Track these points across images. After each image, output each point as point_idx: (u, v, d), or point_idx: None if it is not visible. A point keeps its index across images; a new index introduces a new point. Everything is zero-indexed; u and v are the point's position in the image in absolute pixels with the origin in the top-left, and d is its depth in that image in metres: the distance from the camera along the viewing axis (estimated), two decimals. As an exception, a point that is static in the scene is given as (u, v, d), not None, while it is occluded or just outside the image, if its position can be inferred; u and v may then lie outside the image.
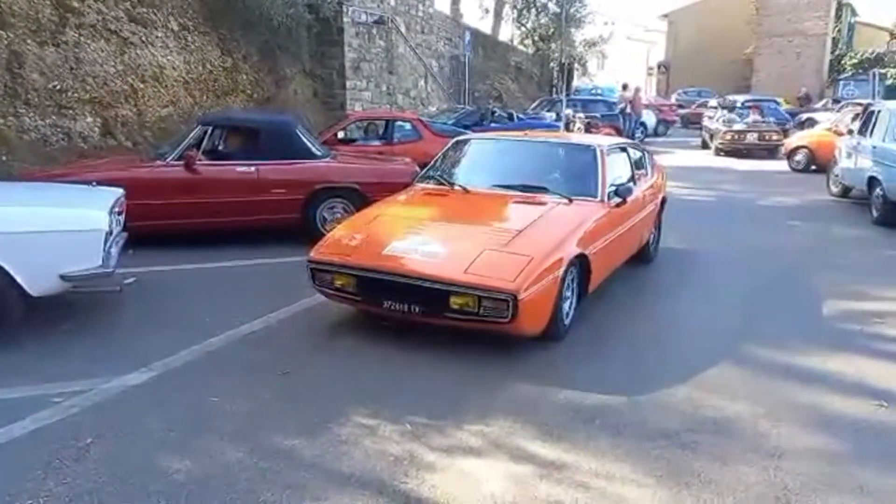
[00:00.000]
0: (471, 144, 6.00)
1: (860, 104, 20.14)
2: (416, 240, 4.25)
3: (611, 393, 3.53)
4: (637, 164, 5.91)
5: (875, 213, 8.43)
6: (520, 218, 4.53)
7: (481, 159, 5.81)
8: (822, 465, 2.84)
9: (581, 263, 4.31)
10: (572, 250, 4.17)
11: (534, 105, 18.64)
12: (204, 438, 3.05)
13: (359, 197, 6.73)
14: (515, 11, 28.59)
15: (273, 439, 3.05)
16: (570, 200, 4.75)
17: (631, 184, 5.29)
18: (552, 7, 27.66)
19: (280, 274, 5.80)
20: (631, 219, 5.26)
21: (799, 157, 13.86)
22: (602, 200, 4.84)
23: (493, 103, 19.46)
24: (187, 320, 4.57)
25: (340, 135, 9.68)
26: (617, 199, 4.92)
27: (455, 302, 3.82)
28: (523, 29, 28.60)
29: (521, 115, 14.60)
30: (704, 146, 18.67)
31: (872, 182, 8.56)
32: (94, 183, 5.09)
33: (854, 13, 37.99)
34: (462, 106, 15.28)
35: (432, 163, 5.76)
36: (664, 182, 6.80)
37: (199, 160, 6.44)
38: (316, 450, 2.96)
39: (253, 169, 6.59)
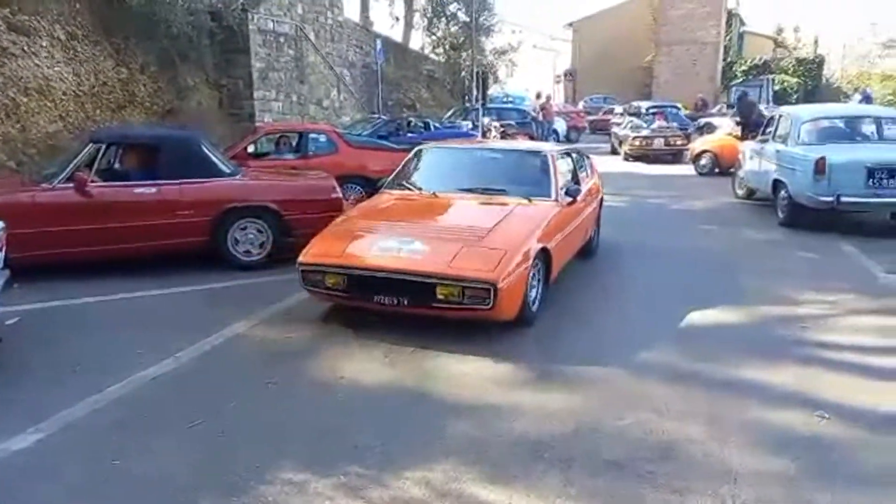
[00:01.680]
0: (432, 153, 6.50)
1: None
2: (398, 240, 4.64)
3: (555, 420, 3.34)
4: (579, 167, 6.51)
5: (781, 215, 8.76)
6: (488, 217, 4.97)
7: (443, 166, 6.26)
8: (777, 489, 2.75)
9: (544, 256, 4.83)
10: (537, 245, 4.70)
11: (448, 114, 18.57)
12: (103, 513, 2.63)
13: (273, 216, 6.32)
14: (425, 20, 28.55)
15: (187, 507, 2.67)
16: (530, 200, 5.26)
17: (578, 185, 5.90)
18: (461, 16, 27.81)
19: (190, 305, 5.36)
20: (580, 215, 5.88)
21: (704, 161, 14.41)
22: (556, 200, 5.37)
23: (407, 112, 19.28)
24: (83, 365, 4.06)
25: (250, 149, 9.16)
26: (568, 199, 5.47)
27: (441, 292, 4.28)
28: (434, 37, 28.60)
29: (437, 125, 14.45)
30: (614, 152, 19.17)
31: (777, 185, 8.90)
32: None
33: (742, 23, 40.42)
34: (377, 116, 14.96)
35: (397, 170, 6.16)
36: (601, 183, 7.37)
37: (92, 181, 5.84)
38: (238, 517, 2.61)
39: (154, 190, 6.04)
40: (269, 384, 3.83)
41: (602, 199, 7.13)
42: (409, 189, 5.78)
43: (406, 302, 4.39)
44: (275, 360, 4.18)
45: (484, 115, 13.11)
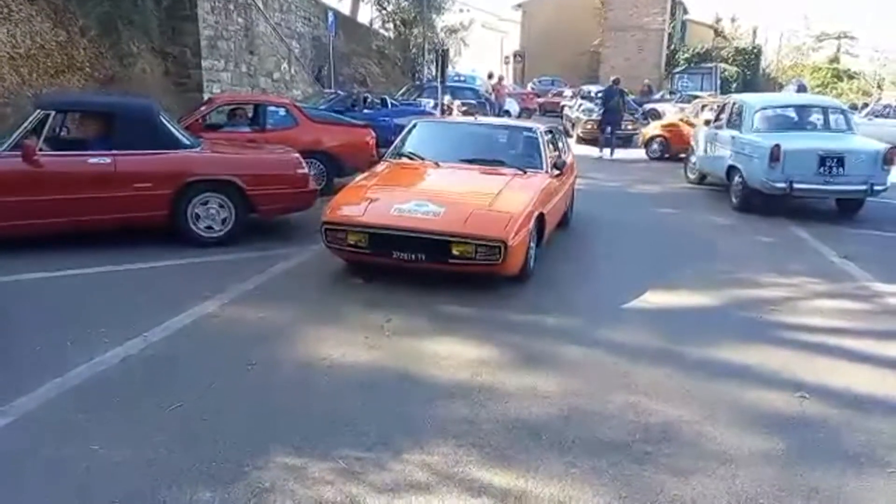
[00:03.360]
0: (429, 127, 7.15)
1: (698, 96, 21.92)
2: (414, 203, 5.01)
3: (546, 402, 3.33)
4: (559, 145, 7.15)
5: (735, 200, 9.02)
6: (491, 185, 5.46)
7: (441, 139, 6.74)
8: (773, 470, 2.81)
9: (539, 220, 5.30)
10: (536, 209, 5.21)
11: (402, 91, 18.28)
12: (89, 504, 2.46)
13: (237, 191, 6.07)
14: (376, -7, 27.93)
15: (176, 496, 2.52)
16: (524, 172, 5.84)
17: (564, 158, 6.61)
18: (413, -9, 27.33)
19: (153, 282, 5.11)
20: (564, 187, 6.52)
21: (655, 146, 14.70)
22: (546, 171, 5.98)
23: (359, 88, 18.86)
24: (43, 346, 3.80)
25: (204, 120, 8.75)
26: (556, 171, 6.07)
27: (457, 249, 4.75)
28: (384, 12, 28.03)
29: (394, 101, 14.19)
30: (566, 134, 19.31)
31: (732, 171, 9.15)
32: None
33: (686, 11, 41.28)
34: (332, 91, 14.58)
35: (397, 141, 6.68)
36: (575, 160, 7.90)
37: (41, 150, 5.46)
38: (236, 505, 2.49)
39: (109, 160, 5.69)
40: (248, 366, 3.67)
41: (576, 175, 7.71)
42: (413, 159, 6.23)
43: (423, 258, 4.81)
44: (251, 342, 4.01)
45: (444, 93, 12.91)
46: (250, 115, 8.88)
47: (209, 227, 6.06)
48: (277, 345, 3.99)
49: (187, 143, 6.16)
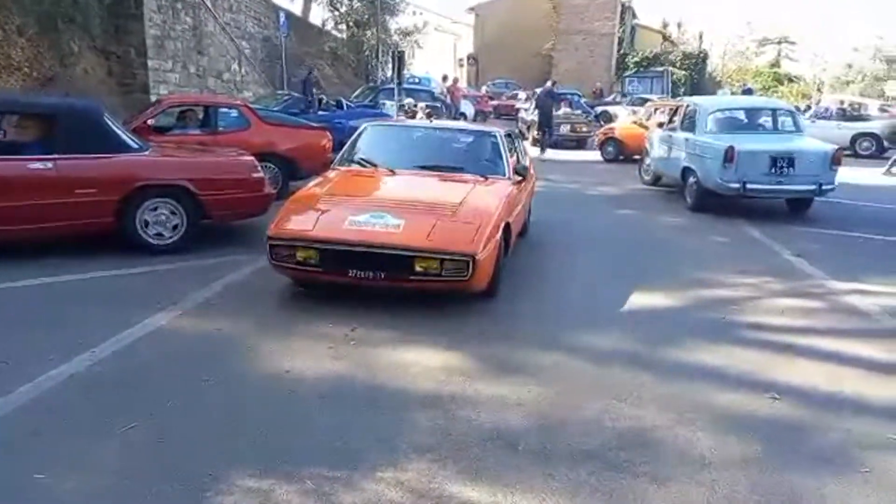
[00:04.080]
0: (380, 131, 6.67)
1: (648, 99, 22.35)
2: (370, 214, 4.58)
3: (519, 411, 3.24)
4: (518, 149, 6.88)
5: (689, 201, 9.16)
6: (453, 193, 5.08)
7: (395, 144, 6.27)
8: (753, 474, 2.77)
9: (506, 230, 4.96)
10: (502, 219, 4.87)
11: (357, 92, 18.04)
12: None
13: (188, 196, 5.82)
14: (328, -6, 27.57)
15: (134, 527, 2.34)
16: (486, 178, 5.51)
17: (526, 163, 6.37)
18: (366, -8, 27.09)
19: (100, 294, 4.85)
20: (524, 193, 6.20)
21: (610, 147, 14.87)
22: (509, 178, 5.68)
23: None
24: (-22, 366, 3.52)
25: (151, 122, 8.42)
26: (517, 178, 5.78)
27: (420, 265, 4.34)
28: (337, 13, 27.70)
29: (349, 104, 13.97)
30: (521, 137, 19.39)
31: (687, 172, 9.28)
32: None
33: (635, 16, 42.10)
34: (284, 92, 14.27)
35: (346, 147, 6.13)
36: (533, 163, 7.55)
37: (-25, 154, 5.12)
38: (198, 535, 2.32)
39: (50, 165, 5.37)
40: (205, 382, 3.48)
41: (535, 180, 7.50)
42: (364, 166, 5.77)
43: (383, 276, 4.37)
44: (207, 355, 3.82)
45: (400, 95, 12.71)
46: (201, 116, 8.57)
47: (159, 234, 5.80)
48: (236, 358, 3.80)
49: (135, 146, 5.87)
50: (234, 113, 8.52)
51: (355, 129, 11.41)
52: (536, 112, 16.33)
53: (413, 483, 2.64)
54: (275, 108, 11.30)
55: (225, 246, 6.11)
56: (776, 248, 6.95)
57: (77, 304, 4.58)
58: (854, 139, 17.15)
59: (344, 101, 13.36)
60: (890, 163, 13.41)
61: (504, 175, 5.67)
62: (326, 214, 4.69)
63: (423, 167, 5.65)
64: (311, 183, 5.67)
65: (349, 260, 4.39)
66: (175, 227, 5.85)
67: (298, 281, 4.82)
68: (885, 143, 15.55)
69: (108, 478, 2.62)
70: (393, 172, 5.56)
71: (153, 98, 11.70)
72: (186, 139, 7.94)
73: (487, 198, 5.09)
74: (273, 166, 8.20)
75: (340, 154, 6.05)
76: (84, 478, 2.62)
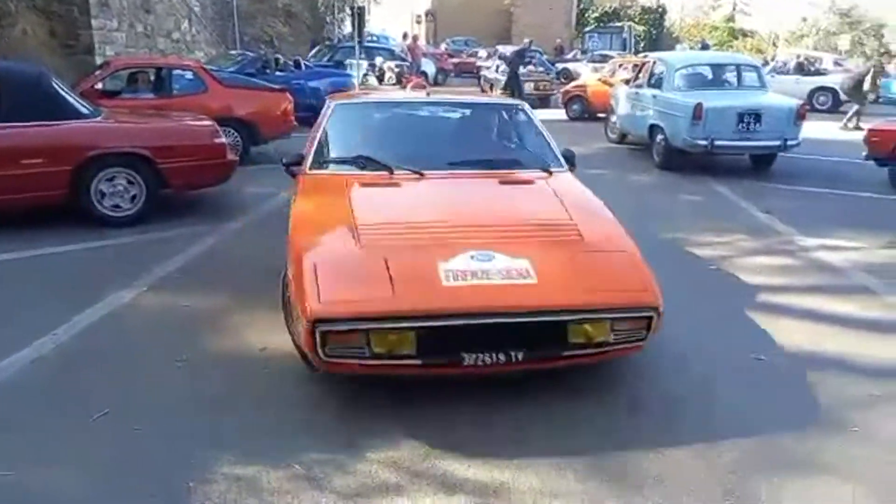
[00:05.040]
0: (367, 111, 4.75)
1: (609, 55, 22.24)
2: (469, 254, 2.92)
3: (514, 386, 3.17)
4: None
5: (657, 159, 9.13)
6: (546, 204, 3.59)
7: (397, 131, 4.49)
8: (749, 440, 2.73)
9: None
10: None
11: (313, 51, 17.43)
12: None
13: (146, 165, 5.52)
14: (279, -52, 26.37)
15: (114, 524, 2.20)
16: (550, 173, 4.02)
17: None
18: (319, -55, 26.02)
19: (57, 271, 4.60)
20: None
21: (576, 105, 14.73)
22: (565, 168, 4.20)
23: (266, 49, 17.84)
24: (-71, 354, 3.28)
25: (100, 86, 7.96)
26: (569, 166, 4.30)
27: (577, 333, 2.81)
28: (289, -32, 26.56)
29: (307, 63, 13.46)
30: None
31: (654, 130, 9.24)
32: None
33: (594, -31, 41.57)
34: (239, 52, 13.66)
35: (316, 139, 4.21)
36: None
37: None
38: (184, 529, 2.19)
39: (-7, 134, 5.03)
40: (178, 362, 3.31)
41: None
42: (363, 168, 3.88)
43: (520, 357, 2.80)
44: (176, 334, 3.63)
45: (361, 54, 12.19)
46: (153, 79, 8.15)
47: (116, 206, 5.51)
48: (207, 336, 3.63)
49: (86, 112, 5.53)
50: (188, 75, 8.12)
51: (317, 90, 11.17)
52: (506, 70, 15.97)
53: (407, 463, 2.55)
54: (230, 69, 10.82)
55: (188, 217, 5.85)
56: (744, 205, 6.99)
57: (32, 283, 4.32)
58: (812, 93, 17.37)
59: (302, 61, 12.87)
60: (847, 117, 13.61)
61: (561, 165, 4.20)
62: (399, 263, 2.89)
63: (459, 164, 4.00)
64: (301, 204, 3.67)
65: (463, 339, 2.76)
66: (133, 197, 5.56)
67: (371, 375, 2.97)
68: (842, 98, 15.78)
69: (80, 473, 2.46)
70: (421, 175, 3.80)
71: (99, 60, 11.06)
72: (139, 104, 7.54)
73: (587, 207, 3.66)
74: (233, 131, 7.86)
75: (311, 150, 4.13)
76: (55, 473, 2.46)
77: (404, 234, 3.15)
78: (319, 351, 2.70)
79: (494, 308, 2.73)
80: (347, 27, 27.06)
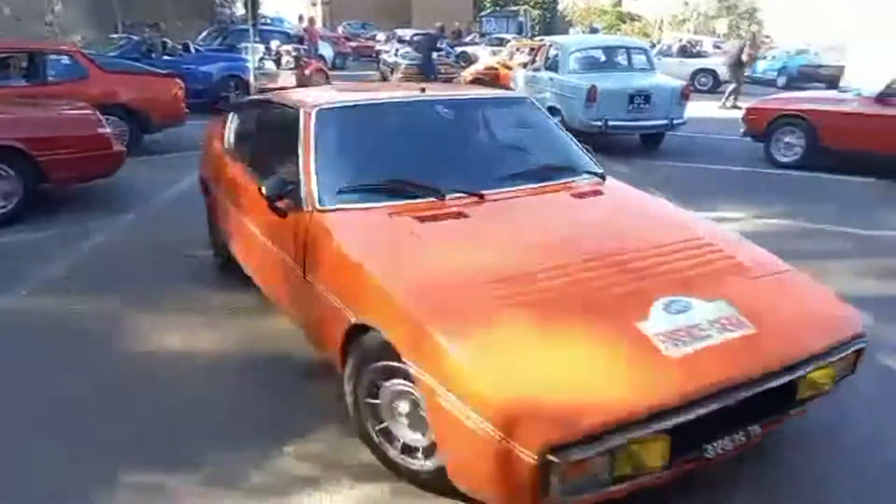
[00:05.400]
0: (364, 117, 3.41)
1: (505, 39, 22.59)
2: (660, 306, 2.25)
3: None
4: None
5: (556, 140, 9.39)
6: (646, 220, 3.04)
7: (412, 141, 3.37)
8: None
9: None
10: None
11: (203, 34, 16.62)
12: None
13: (24, 160, 5.11)
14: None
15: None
16: (603, 178, 3.48)
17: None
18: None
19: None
20: None
21: (479, 89, 14.84)
22: (602, 170, 3.59)
23: (151, 32, 16.87)
24: None
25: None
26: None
27: (807, 385, 2.26)
28: (173, -54, 25.15)
29: (197, 47, 12.82)
30: (384, 79, 18.97)
31: (551, 112, 9.45)
32: None
33: (488, -47, 41.98)
34: (121, 36, 12.82)
35: (317, 165, 2.93)
36: None
37: None
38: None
39: None
40: (69, 372, 3.10)
41: None
42: (394, 196, 2.87)
43: (757, 431, 2.21)
44: (67, 340, 3.40)
45: (255, 37, 11.70)
46: (25, 65, 7.51)
47: (-12, 204, 5.07)
48: (99, 340, 3.41)
49: (-53, 102, 5.03)
50: (65, 60, 7.53)
51: (209, 74, 10.67)
52: (415, 55, 15.74)
53: (324, 456, 2.52)
54: (111, 54, 10.14)
55: (71, 214, 5.48)
56: (644, 183, 7.30)
57: None
58: (694, 75, 18.37)
59: (191, 45, 12.25)
60: (724, 96, 14.49)
61: (597, 166, 3.65)
62: (593, 335, 2.14)
63: (506, 178, 3.16)
64: (345, 259, 2.59)
65: (705, 425, 2.04)
66: (7, 194, 5.13)
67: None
68: (721, 78, 16.80)
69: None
70: (481, 198, 2.96)
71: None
72: (8, 92, 6.93)
73: (681, 213, 3.29)
74: (119, 119, 7.39)
75: (309, 179, 2.89)
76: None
77: (548, 286, 2.31)
78: (545, 493, 1.82)
79: (739, 378, 2.09)
80: (240, 9, 26.02)
